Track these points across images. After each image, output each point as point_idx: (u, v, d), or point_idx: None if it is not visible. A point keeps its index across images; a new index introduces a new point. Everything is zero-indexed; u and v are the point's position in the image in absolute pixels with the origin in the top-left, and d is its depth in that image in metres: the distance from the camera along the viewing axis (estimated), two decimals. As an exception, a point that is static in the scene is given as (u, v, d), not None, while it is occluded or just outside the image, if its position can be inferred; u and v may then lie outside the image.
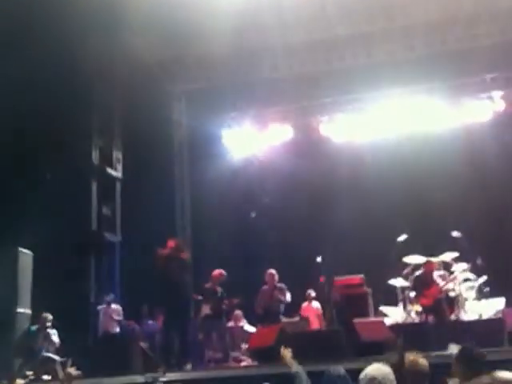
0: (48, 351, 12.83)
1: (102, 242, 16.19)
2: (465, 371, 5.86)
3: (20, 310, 12.66)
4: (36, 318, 13.23)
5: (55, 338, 13.08)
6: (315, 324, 14.68)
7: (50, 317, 13.15)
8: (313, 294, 15.16)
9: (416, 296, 13.52)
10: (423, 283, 13.32)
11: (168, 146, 19.05)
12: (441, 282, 13.37)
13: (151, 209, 15.95)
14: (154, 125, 17.00)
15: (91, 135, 16.32)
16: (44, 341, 12.90)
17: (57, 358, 12.73)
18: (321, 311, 14.77)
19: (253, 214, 14.62)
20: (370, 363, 5.51)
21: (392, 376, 5.34)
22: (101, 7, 15.15)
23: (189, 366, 12.07)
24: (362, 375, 5.41)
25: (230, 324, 14.17)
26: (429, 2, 16.88)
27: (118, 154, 17.22)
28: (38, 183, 14.57)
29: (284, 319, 13.61)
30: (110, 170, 16.83)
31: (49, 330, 13.03)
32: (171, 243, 12.71)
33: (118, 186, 17.14)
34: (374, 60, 18.20)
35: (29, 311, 12.91)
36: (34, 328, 13.05)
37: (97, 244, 15.95)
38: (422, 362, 5.72)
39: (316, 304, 15.04)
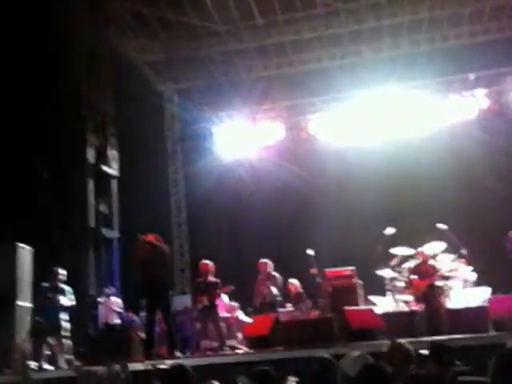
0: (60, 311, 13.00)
1: (100, 239, 16.53)
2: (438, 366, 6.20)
3: (20, 303, 12.78)
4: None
5: (70, 296, 13.22)
6: None
7: (63, 272, 13.28)
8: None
9: (410, 285, 13.95)
10: (418, 273, 13.73)
11: (162, 143, 19.53)
12: (432, 272, 13.74)
13: (147, 205, 16.42)
14: (147, 123, 17.45)
15: (86, 135, 16.62)
16: (56, 300, 13.03)
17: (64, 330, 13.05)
18: (229, 306, 14.83)
19: None
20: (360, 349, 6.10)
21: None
22: (93, 10, 15.66)
23: (178, 354, 12.30)
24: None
25: (226, 314, 14.57)
26: (414, 2, 17.44)
27: (113, 153, 17.56)
28: (36, 182, 14.91)
29: (279, 309, 13.97)
30: (105, 168, 17.09)
31: (62, 286, 13.18)
32: (151, 237, 13.00)
33: (114, 183, 17.42)
34: (363, 59, 18.94)
35: (29, 304, 13.01)
36: (45, 284, 13.13)
37: (95, 240, 16.29)
38: (407, 346, 6.10)
39: (225, 298, 14.97)
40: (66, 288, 13.23)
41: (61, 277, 13.21)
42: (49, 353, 12.74)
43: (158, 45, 18.34)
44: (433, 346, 6.64)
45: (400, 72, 17.88)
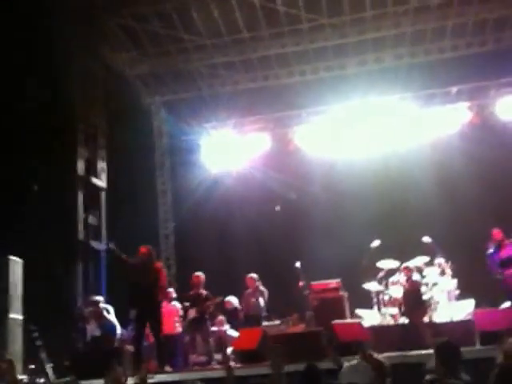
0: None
1: (89, 251, 16.31)
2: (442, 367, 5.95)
3: (12, 315, 12.63)
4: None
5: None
6: (170, 326, 13.91)
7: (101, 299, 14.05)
8: (174, 294, 14.82)
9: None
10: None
11: (150, 155, 19.38)
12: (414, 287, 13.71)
13: (135, 217, 16.20)
14: (135, 135, 17.32)
15: (76, 147, 16.39)
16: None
17: None
18: (180, 312, 14.36)
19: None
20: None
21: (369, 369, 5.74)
22: (84, 24, 15.44)
23: (168, 369, 12.11)
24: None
25: (214, 328, 14.33)
26: (397, 17, 17.32)
27: (102, 165, 17.35)
28: (27, 194, 14.70)
29: (265, 323, 13.88)
30: (95, 180, 16.90)
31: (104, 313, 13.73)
32: (143, 249, 12.78)
33: (103, 195, 17.21)
34: (346, 72, 18.82)
35: (20, 317, 12.87)
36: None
37: (83, 252, 16.07)
38: (382, 360, 6.06)
39: (176, 304, 14.61)
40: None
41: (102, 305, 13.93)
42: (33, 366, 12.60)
43: (147, 58, 18.15)
44: (437, 347, 6.28)
45: (383, 85, 17.85)
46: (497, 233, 13.64)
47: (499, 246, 13.56)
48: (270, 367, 6.55)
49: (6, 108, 14.12)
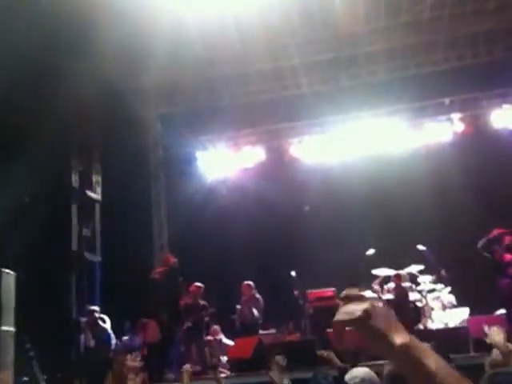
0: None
1: (83, 262, 15.99)
2: None
3: (4, 328, 12.15)
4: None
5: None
6: (150, 335, 13.60)
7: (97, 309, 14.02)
8: None
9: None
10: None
11: (145, 168, 19.05)
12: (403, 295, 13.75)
13: (129, 229, 15.90)
14: (130, 148, 16.98)
15: (71, 160, 16.23)
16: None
17: None
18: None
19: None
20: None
21: (377, 377, 5.20)
22: (77, 37, 15.10)
23: (169, 376, 12.03)
24: (348, 378, 5.21)
25: (209, 337, 14.01)
26: (390, 31, 17.08)
27: (97, 177, 17.16)
28: (20, 207, 14.37)
29: (261, 331, 13.69)
30: (89, 193, 16.69)
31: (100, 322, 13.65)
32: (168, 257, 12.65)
33: (98, 207, 17.01)
34: (341, 85, 18.44)
35: (12, 329, 12.38)
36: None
37: (77, 264, 15.77)
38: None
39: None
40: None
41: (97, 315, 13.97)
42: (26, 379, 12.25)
43: (142, 71, 17.78)
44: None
45: (377, 98, 17.66)
46: None
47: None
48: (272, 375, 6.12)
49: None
